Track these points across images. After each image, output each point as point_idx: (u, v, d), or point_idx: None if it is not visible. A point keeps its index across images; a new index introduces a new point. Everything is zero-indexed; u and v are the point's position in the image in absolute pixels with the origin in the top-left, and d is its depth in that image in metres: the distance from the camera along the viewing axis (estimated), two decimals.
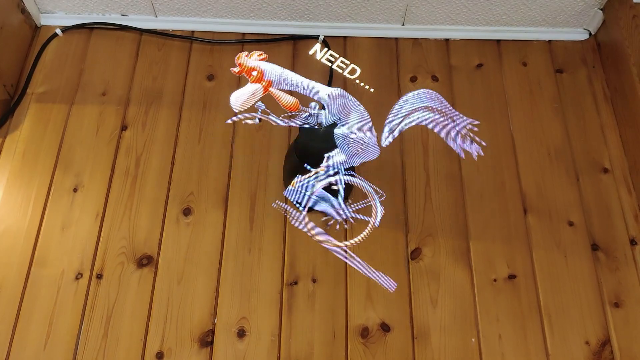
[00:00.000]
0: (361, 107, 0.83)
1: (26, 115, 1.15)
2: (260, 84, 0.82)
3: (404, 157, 1.12)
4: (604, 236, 1.05)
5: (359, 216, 0.87)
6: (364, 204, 0.86)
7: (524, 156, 1.13)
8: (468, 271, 1.01)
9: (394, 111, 0.83)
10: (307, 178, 0.87)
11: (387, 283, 0.98)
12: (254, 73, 0.82)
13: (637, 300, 1.00)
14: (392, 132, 0.84)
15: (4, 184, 1.07)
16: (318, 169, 0.86)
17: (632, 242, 1.05)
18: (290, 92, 0.82)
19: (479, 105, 1.19)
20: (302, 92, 0.84)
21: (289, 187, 0.88)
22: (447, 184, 1.09)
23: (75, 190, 1.07)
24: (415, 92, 0.83)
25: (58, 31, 1.24)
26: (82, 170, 1.09)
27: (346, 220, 0.90)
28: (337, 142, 0.85)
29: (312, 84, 0.84)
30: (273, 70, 0.83)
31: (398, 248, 1.03)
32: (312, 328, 0.96)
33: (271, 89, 0.83)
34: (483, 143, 0.85)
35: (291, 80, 0.83)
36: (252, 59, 0.84)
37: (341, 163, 0.85)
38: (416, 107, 0.82)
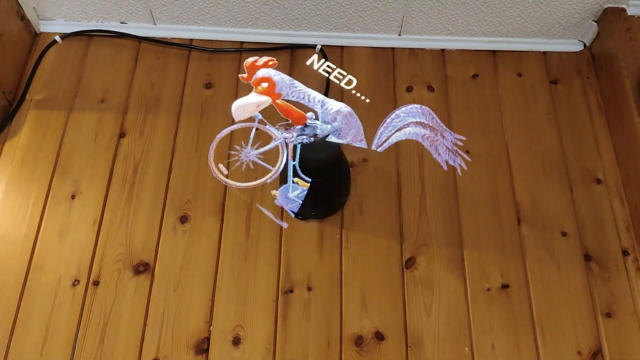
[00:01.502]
0: (359, 123, 0.84)
1: (25, 121, 1.16)
2: (270, 96, 0.79)
3: (400, 166, 1.13)
4: (597, 247, 1.06)
5: (263, 163, 0.84)
6: (270, 147, 0.83)
7: (518, 166, 1.14)
8: (462, 280, 1.02)
9: (385, 124, 0.84)
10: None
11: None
12: (264, 84, 0.79)
13: (629, 310, 1.01)
14: (382, 144, 0.85)
15: (2, 190, 1.08)
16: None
17: (625, 253, 1.06)
18: (290, 102, 0.82)
19: (474, 115, 1.20)
20: (307, 104, 0.84)
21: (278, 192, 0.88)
22: (442, 193, 1.10)
23: (73, 197, 1.08)
24: (409, 106, 0.83)
25: (57, 38, 1.25)
26: (80, 177, 1.10)
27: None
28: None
29: (319, 96, 0.83)
30: (283, 82, 0.81)
31: (393, 257, 1.04)
32: (307, 336, 0.97)
33: (279, 101, 0.81)
34: (467, 158, 0.86)
35: (299, 92, 0.83)
36: (262, 64, 0.81)
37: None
38: (409, 121, 0.83)
